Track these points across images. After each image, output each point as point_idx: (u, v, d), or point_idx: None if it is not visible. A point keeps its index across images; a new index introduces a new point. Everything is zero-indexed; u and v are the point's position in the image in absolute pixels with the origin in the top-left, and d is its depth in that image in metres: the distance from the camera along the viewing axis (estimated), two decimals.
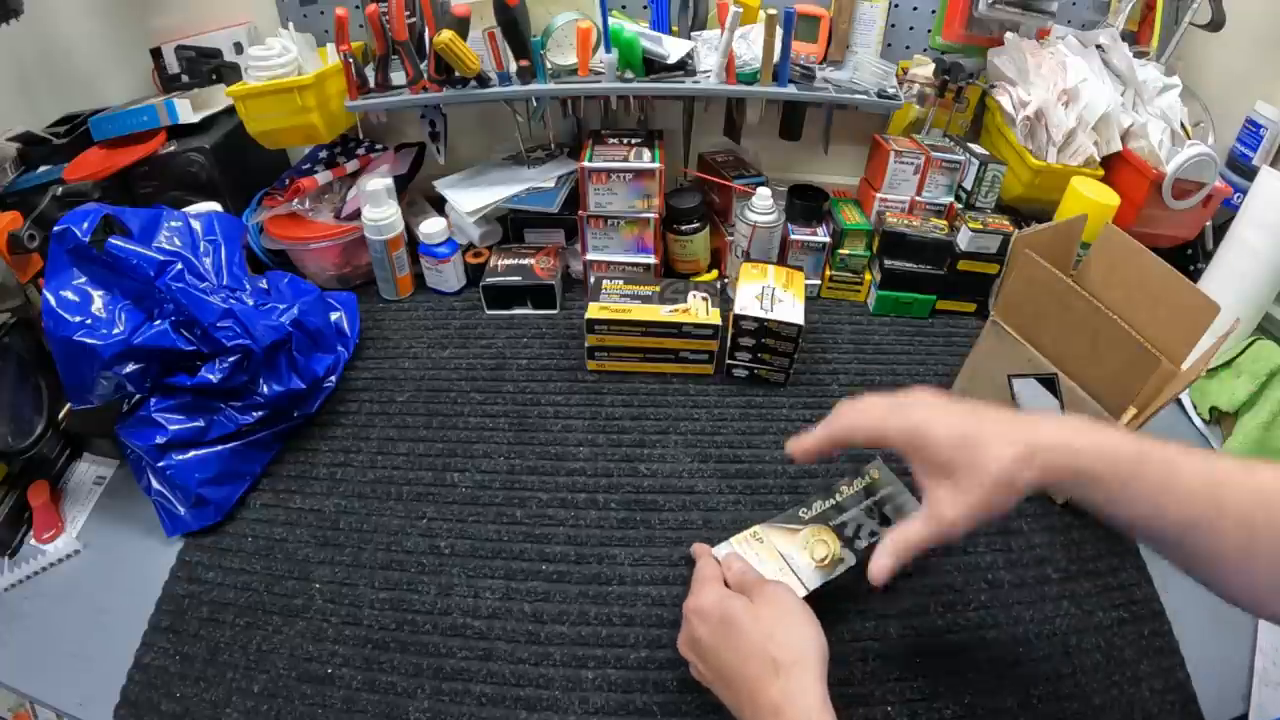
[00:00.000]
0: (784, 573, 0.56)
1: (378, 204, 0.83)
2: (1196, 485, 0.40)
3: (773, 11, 0.78)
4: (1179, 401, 0.80)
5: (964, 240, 0.84)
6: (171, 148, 0.83)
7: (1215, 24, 0.86)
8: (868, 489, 0.61)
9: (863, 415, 0.48)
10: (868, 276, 0.91)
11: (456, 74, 0.80)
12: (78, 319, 0.61)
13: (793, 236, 0.88)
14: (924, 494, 0.45)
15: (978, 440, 0.43)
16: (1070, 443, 0.41)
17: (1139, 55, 0.90)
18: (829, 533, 0.58)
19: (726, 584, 0.51)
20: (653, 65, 0.83)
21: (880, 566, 0.46)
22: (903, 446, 0.46)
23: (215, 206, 0.80)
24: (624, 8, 0.90)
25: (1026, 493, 0.42)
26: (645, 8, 0.90)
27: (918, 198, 0.90)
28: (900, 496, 0.60)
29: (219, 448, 0.67)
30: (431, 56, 0.79)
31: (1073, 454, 0.41)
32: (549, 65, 0.82)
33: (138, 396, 0.65)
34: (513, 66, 0.81)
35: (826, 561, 0.56)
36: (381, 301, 0.91)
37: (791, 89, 0.83)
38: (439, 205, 0.95)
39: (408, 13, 0.76)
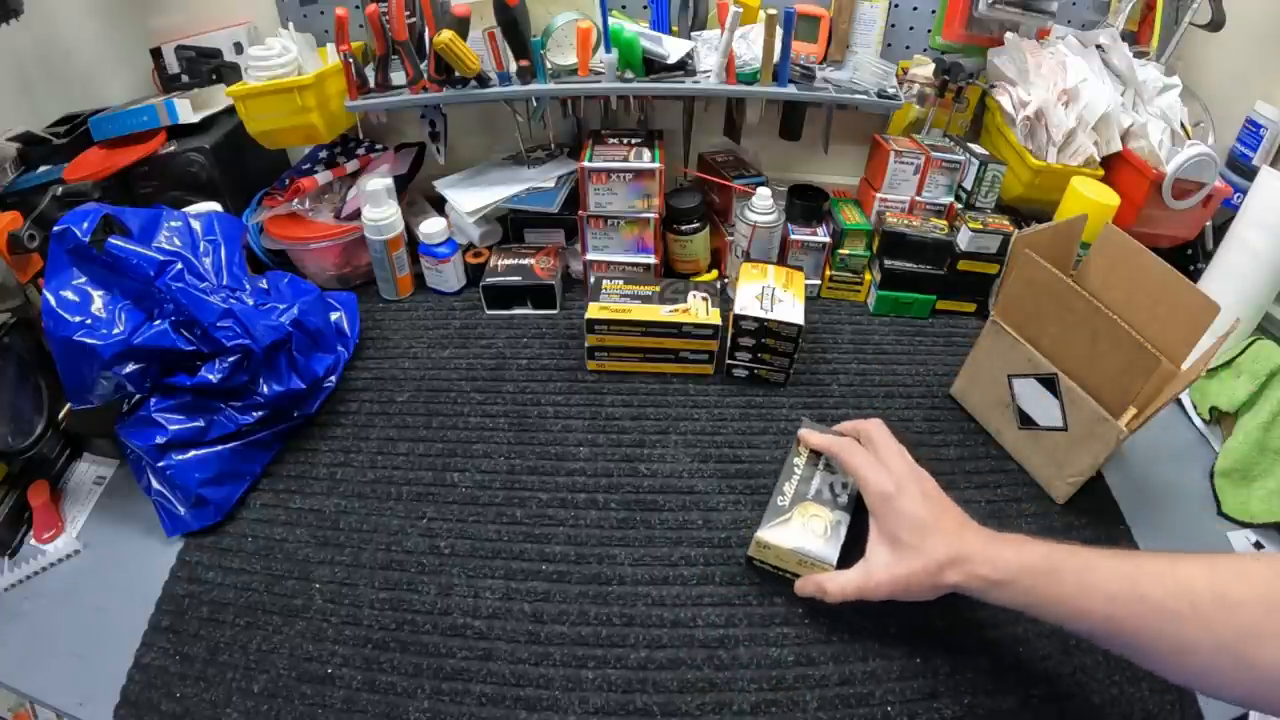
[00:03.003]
0: (804, 564, 0.58)
1: (378, 204, 0.83)
2: (1115, 587, 0.43)
3: (773, 11, 0.78)
4: (1179, 401, 0.80)
5: (964, 240, 0.84)
6: (171, 148, 0.83)
7: (1215, 24, 0.86)
8: (812, 453, 0.65)
9: (867, 466, 0.57)
10: (868, 276, 0.91)
11: (456, 74, 0.80)
12: (78, 319, 0.61)
13: (793, 236, 0.88)
14: (869, 544, 0.55)
15: (928, 532, 0.51)
16: (995, 558, 0.48)
17: (1139, 55, 0.90)
18: (813, 505, 0.61)
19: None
20: (653, 65, 0.83)
21: (805, 591, 0.57)
22: (871, 501, 0.56)
23: (215, 206, 0.80)
24: (624, 8, 0.90)
25: (947, 589, 0.50)
26: (645, 8, 0.90)
27: (918, 198, 0.90)
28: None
29: (219, 448, 0.67)
30: (431, 56, 0.79)
31: (993, 568, 0.48)
32: (549, 65, 0.82)
33: (138, 396, 0.65)
34: (513, 66, 0.81)
35: (829, 531, 0.59)
36: (381, 301, 0.91)
37: (791, 89, 0.83)
38: (439, 205, 0.94)
39: (408, 13, 0.76)
